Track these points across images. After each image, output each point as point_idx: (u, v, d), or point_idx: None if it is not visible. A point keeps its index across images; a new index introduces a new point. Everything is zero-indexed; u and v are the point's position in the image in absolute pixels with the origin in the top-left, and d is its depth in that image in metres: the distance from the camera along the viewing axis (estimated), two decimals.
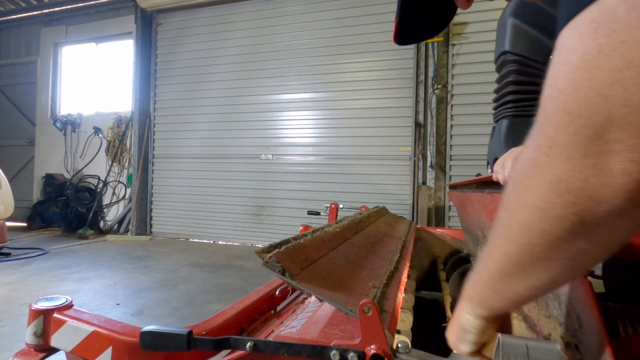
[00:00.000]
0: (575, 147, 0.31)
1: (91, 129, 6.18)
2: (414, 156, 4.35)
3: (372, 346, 0.45)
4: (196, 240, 5.42)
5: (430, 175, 4.27)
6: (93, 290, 2.96)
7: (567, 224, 0.34)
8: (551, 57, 0.35)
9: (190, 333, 0.53)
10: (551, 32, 1.87)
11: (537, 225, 0.37)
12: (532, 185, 0.36)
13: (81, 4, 6.29)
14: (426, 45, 4.30)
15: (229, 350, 0.59)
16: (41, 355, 0.70)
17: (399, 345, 0.48)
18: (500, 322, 0.52)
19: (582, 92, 0.30)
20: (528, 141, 0.37)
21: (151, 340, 0.54)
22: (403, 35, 0.71)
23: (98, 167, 6.13)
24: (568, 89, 0.31)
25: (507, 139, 1.97)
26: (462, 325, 0.52)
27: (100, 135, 6.14)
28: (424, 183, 4.31)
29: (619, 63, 0.28)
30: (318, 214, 2.83)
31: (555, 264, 0.38)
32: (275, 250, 0.55)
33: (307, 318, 0.67)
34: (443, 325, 0.58)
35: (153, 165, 5.77)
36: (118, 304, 2.66)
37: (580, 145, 0.31)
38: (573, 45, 0.31)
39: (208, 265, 3.90)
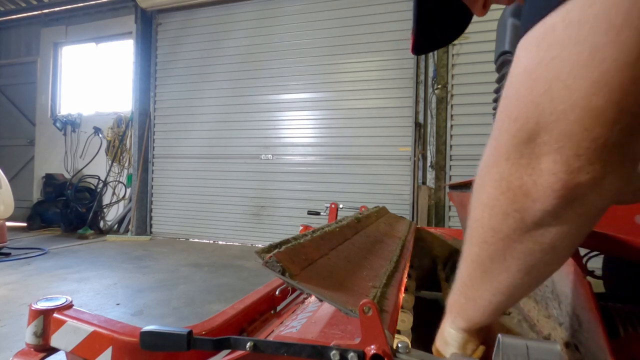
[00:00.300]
0: (512, 149, 0.35)
1: (91, 129, 6.18)
2: (414, 156, 4.35)
3: (372, 346, 0.45)
4: (196, 240, 5.42)
5: (430, 175, 4.27)
6: (93, 290, 2.96)
7: (511, 221, 0.37)
8: None
9: (190, 333, 0.53)
10: None
11: (487, 222, 0.40)
12: (484, 184, 0.39)
13: (81, 4, 6.29)
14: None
15: (229, 350, 0.59)
16: (41, 355, 0.70)
17: (399, 345, 0.48)
18: (482, 335, 0.52)
19: (520, 100, 0.33)
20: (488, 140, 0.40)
21: (151, 340, 0.54)
22: (420, 46, 0.71)
23: (98, 167, 6.13)
24: (510, 96, 0.35)
25: None
26: (445, 338, 0.53)
27: (100, 135, 6.14)
28: (424, 183, 4.31)
29: (550, 75, 0.31)
30: (318, 214, 2.83)
31: (509, 265, 0.40)
32: (275, 250, 0.55)
33: (307, 318, 0.67)
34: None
35: (153, 165, 5.78)
36: (118, 304, 2.66)
37: (517, 147, 0.34)
38: (519, 58, 0.35)
39: (208, 265, 3.90)
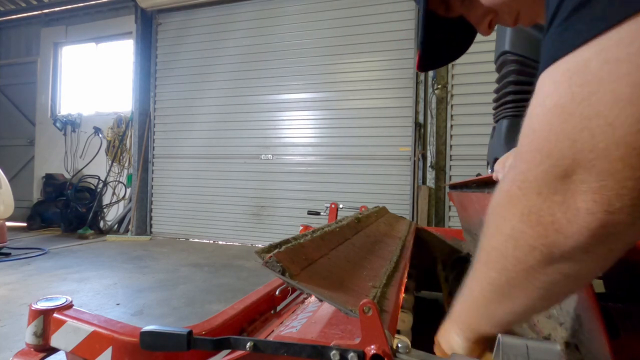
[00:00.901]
0: (545, 184, 0.34)
1: (91, 129, 6.18)
2: (414, 156, 4.35)
3: (372, 346, 0.45)
4: (196, 240, 5.42)
5: (430, 175, 4.27)
6: (93, 290, 2.96)
7: (538, 254, 0.36)
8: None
9: (190, 333, 0.53)
10: None
11: (511, 252, 0.39)
12: (507, 216, 0.39)
13: (81, 4, 6.29)
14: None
15: (229, 350, 0.59)
16: (41, 355, 0.70)
17: (399, 345, 0.48)
18: (488, 342, 0.52)
19: (553, 135, 0.33)
20: (506, 173, 0.40)
21: (151, 340, 0.54)
22: (426, 64, 0.71)
23: (98, 167, 6.13)
24: (541, 131, 0.34)
25: (507, 139, 1.97)
26: (451, 345, 0.53)
27: (100, 135, 6.14)
28: (424, 183, 4.30)
29: (589, 112, 0.30)
30: (318, 214, 2.83)
31: (530, 292, 0.40)
32: (275, 250, 0.55)
33: (307, 318, 0.67)
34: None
35: (153, 165, 5.77)
36: (118, 304, 2.66)
37: (550, 182, 0.33)
38: (549, 91, 0.34)
39: (208, 265, 3.90)
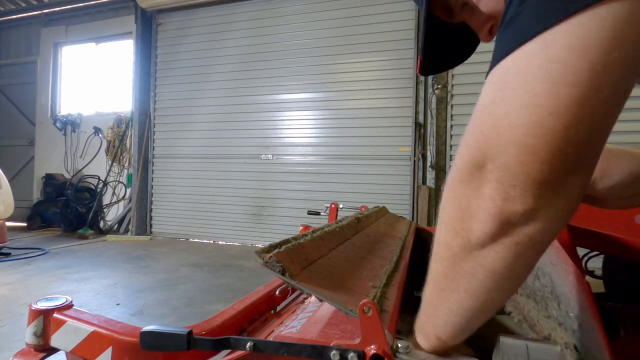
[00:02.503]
0: (466, 172, 0.38)
1: (91, 129, 6.18)
2: (414, 156, 4.35)
3: (372, 346, 0.45)
4: (196, 240, 5.42)
5: (430, 175, 4.27)
6: (93, 290, 2.96)
7: (459, 239, 0.40)
8: None
9: (190, 333, 0.53)
10: None
11: (443, 238, 0.43)
12: (444, 203, 0.43)
13: (81, 4, 6.29)
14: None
15: (229, 350, 0.59)
16: (41, 355, 0.70)
17: (399, 345, 0.48)
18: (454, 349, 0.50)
19: (476, 130, 0.38)
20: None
21: (151, 340, 0.54)
22: (427, 68, 0.72)
23: (98, 167, 6.13)
24: (471, 125, 0.39)
25: None
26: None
27: (100, 135, 6.14)
28: (424, 183, 4.31)
29: (500, 113, 0.35)
30: (318, 214, 2.82)
31: (458, 285, 0.42)
32: (275, 250, 0.55)
33: (307, 318, 0.67)
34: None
35: (153, 165, 5.77)
36: (118, 304, 2.66)
37: (469, 171, 0.38)
38: (483, 91, 0.39)
39: (208, 265, 3.90)
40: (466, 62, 0.76)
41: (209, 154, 5.40)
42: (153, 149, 5.76)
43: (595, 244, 1.05)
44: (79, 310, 0.73)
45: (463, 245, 0.40)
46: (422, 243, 2.31)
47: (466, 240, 0.39)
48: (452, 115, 4.23)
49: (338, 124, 4.72)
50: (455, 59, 0.75)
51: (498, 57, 0.37)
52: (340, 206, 2.62)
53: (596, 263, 1.34)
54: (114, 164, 6.02)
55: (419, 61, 0.71)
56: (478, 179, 0.37)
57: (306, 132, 4.89)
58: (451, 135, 4.24)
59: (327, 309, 0.69)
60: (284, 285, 1.01)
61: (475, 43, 0.72)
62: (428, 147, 4.27)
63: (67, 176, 6.25)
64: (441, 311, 0.45)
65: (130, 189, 5.82)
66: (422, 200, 4.22)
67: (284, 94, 4.98)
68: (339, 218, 1.98)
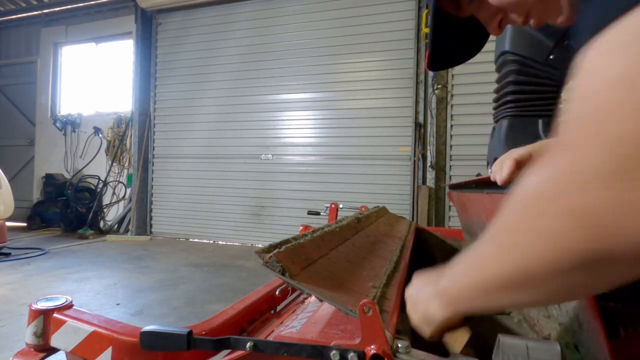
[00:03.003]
0: (611, 177, 0.25)
1: (91, 129, 6.18)
2: (414, 156, 4.35)
3: (372, 346, 0.45)
4: (196, 240, 5.42)
5: (430, 175, 4.27)
6: (93, 290, 2.96)
7: (577, 258, 0.29)
8: (568, 76, 0.32)
9: (190, 333, 0.53)
10: (551, 33, 1.87)
11: (542, 253, 0.32)
12: (547, 211, 0.31)
13: (81, 4, 6.29)
14: (426, 45, 4.30)
15: (229, 350, 0.59)
16: (41, 355, 0.70)
17: (399, 345, 0.48)
18: (464, 317, 0.51)
19: (624, 114, 0.25)
20: (546, 160, 0.32)
21: (151, 340, 0.54)
22: (436, 63, 0.70)
23: (98, 167, 6.13)
24: (600, 109, 0.27)
25: (507, 138, 1.97)
26: (430, 314, 0.51)
27: (100, 135, 6.14)
28: (424, 183, 4.30)
29: None
30: (318, 214, 2.82)
31: (546, 291, 0.35)
32: (275, 250, 0.55)
33: (307, 318, 0.67)
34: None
35: (153, 165, 5.77)
36: (118, 304, 2.66)
37: (618, 175, 0.25)
38: (598, 66, 0.28)
39: (208, 265, 3.90)
40: (466, 62, 0.76)
41: (209, 154, 5.40)
42: (153, 149, 5.76)
43: None
44: (79, 310, 0.73)
45: (580, 265, 0.30)
46: (422, 243, 2.31)
47: (591, 261, 0.29)
48: (452, 115, 4.23)
49: (338, 124, 4.72)
50: (464, 55, 0.74)
51: (603, 21, 0.27)
52: (340, 206, 2.62)
53: None
54: (114, 164, 6.02)
55: (427, 56, 0.70)
56: (628, 181, 0.25)
57: (306, 132, 4.89)
58: (451, 135, 4.23)
59: (327, 309, 0.69)
60: (284, 285, 1.01)
61: (485, 38, 0.71)
62: (428, 147, 4.27)
63: (67, 176, 6.25)
64: (500, 302, 0.42)
65: (130, 189, 5.82)
66: (422, 200, 4.22)
67: (284, 94, 4.98)
68: (339, 218, 1.99)
